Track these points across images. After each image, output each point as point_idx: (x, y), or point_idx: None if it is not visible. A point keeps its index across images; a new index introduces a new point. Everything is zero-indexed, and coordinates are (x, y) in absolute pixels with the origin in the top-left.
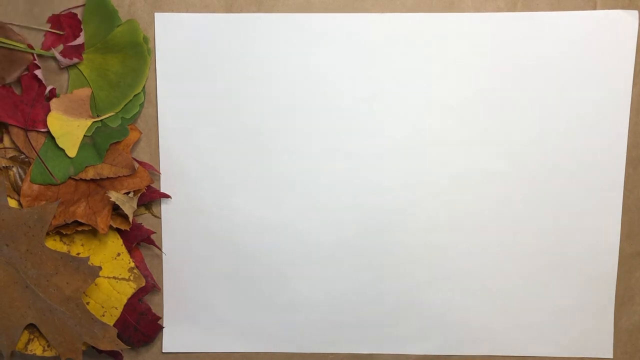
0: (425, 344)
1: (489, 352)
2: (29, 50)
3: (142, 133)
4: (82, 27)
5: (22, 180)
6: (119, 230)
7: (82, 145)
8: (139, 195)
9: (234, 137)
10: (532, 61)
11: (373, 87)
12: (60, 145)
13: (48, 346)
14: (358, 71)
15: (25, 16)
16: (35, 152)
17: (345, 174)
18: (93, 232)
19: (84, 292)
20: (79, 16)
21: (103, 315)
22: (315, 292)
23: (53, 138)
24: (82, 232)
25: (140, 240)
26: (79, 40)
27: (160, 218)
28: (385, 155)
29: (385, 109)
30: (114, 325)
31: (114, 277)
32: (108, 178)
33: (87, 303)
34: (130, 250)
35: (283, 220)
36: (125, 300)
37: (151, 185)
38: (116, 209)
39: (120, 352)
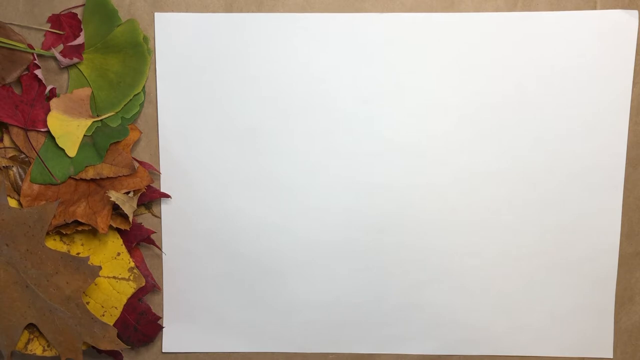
0: (425, 344)
1: (489, 352)
2: (29, 50)
3: (142, 133)
4: (82, 27)
5: (22, 180)
6: (119, 230)
7: (82, 145)
8: (139, 195)
9: (233, 137)
10: (532, 61)
11: (373, 87)
12: (60, 145)
13: (48, 346)
14: (358, 71)
15: (25, 16)
16: (35, 152)
17: (346, 174)
18: (93, 232)
19: (84, 292)
20: (79, 16)
21: (103, 315)
22: (316, 292)
23: (53, 138)
24: (82, 231)
25: (140, 240)
26: (79, 40)
27: (160, 218)
28: (386, 156)
29: (385, 109)
30: (114, 325)
31: (114, 277)
32: (108, 178)
33: (87, 303)
34: (130, 250)
35: (283, 221)
36: (125, 300)
37: (151, 185)
38: (116, 209)
39: (120, 352)
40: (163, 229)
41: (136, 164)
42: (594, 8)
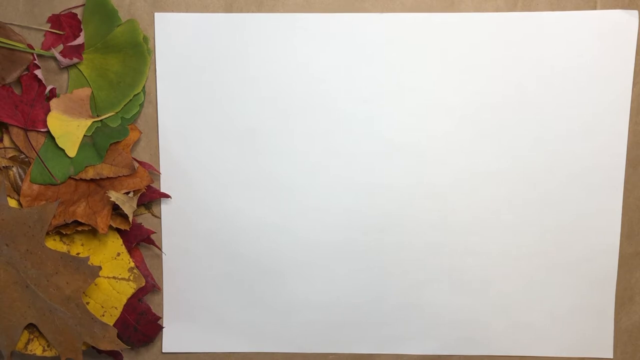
0: (425, 344)
1: (489, 352)
2: (29, 50)
3: (142, 133)
4: (82, 27)
5: (22, 180)
6: (119, 230)
7: (82, 145)
8: (139, 195)
9: (233, 137)
10: (532, 61)
11: (373, 87)
12: (60, 145)
13: (48, 346)
14: (358, 71)
15: (25, 16)
16: (35, 152)
17: (346, 174)
18: (93, 232)
19: (84, 292)
20: (79, 16)
21: (103, 315)
22: (316, 292)
23: (53, 138)
24: (82, 232)
25: (140, 240)
26: (79, 40)
27: (160, 218)
28: (385, 156)
29: (385, 109)
30: (114, 325)
31: (114, 277)
32: (108, 178)
33: (87, 303)
34: (130, 250)
35: (283, 221)
36: (125, 300)
37: (151, 185)
38: (116, 209)
39: (120, 352)
40: (163, 229)
41: (136, 164)
42: (594, 8)
